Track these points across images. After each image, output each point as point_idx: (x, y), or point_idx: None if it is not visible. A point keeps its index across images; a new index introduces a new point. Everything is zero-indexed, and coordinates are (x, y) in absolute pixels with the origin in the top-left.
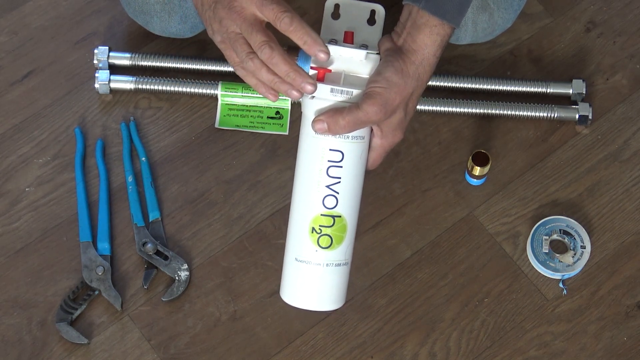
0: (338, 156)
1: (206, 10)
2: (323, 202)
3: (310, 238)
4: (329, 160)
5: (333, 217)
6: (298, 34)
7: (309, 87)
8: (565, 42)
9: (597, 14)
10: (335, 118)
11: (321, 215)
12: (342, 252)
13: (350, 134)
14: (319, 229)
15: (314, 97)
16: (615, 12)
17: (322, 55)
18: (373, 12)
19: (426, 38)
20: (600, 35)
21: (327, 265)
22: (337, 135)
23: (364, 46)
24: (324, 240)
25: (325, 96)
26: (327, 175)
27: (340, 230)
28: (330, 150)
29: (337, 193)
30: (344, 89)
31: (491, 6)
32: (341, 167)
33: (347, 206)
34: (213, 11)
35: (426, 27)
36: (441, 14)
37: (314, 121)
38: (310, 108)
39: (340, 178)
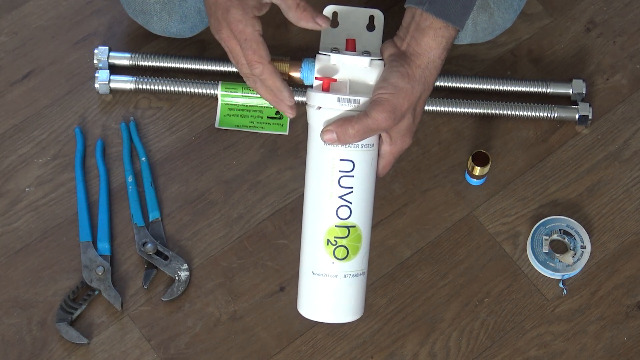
0: (349, 166)
1: (211, 15)
2: (337, 213)
3: (325, 250)
4: (340, 171)
5: (348, 227)
6: (267, 82)
7: (288, 110)
8: (565, 42)
9: (597, 14)
10: (344, 127)
11: (336, 226)
12: (358, 262)
13: (360, 143)
14: (334, 240)
15: (320, 107)
16: (615, 12)
17: (283, 106)
18: (372, 17)
19: (431, 41)
20: (600, 35)
21: (344, 276)
22: (347, 145)
23: (366, 53)
24: (340, 252)
25: (332, 106)
26: (339, 185)
27: (355, 240)
28: (340, 160)
29: (350, 203)
30: (350, 97)
31: (491, 6)
32: (353, 176)
33: (361, 215)
34: (215, 20)
35: (430, 30)
36: (445, 16)
37: (322, 132)
38: (318, 119)
39: (352, 188)
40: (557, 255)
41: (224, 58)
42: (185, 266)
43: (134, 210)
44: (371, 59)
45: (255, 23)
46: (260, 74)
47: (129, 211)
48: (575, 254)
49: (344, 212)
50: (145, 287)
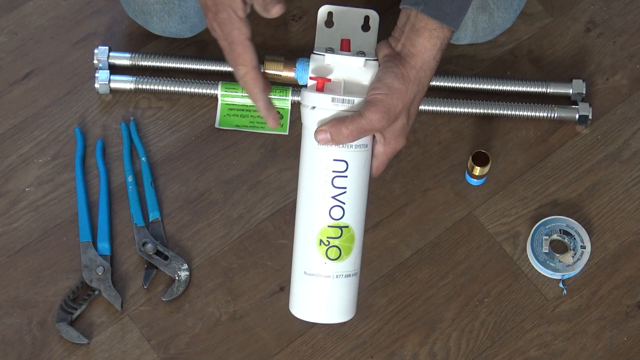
0: (342, 166)
1: (205, 16)
2: (330, 213)
3: (318, 250)
4: (333, 171)
5: (340, 228)
6: (247, 87)
7: (271, 123)
8: (565, 42)
9: (597, 14)
10: (338, 128)
11: (328, 226)
12: (351, 262)
13: (353, 143)
14: (327, 240)
15: (314, 107)
16: (615, 12)
17: (269, 121)
18: (367, 18)
19: (426, 42)
20: (600, 35)
21: (336, 277)
22: (341, 145)
23: (361, 53)
24: (333, 252)
25: (326, 106)
26: (332, 186)
27: (348, 240)
28: (334, 160)
29: (344, 203)
30: (345, 97)
31: (491, 6)
32: (346, 177)
33: (354, 216)
34: (208, 21)
35: (425, 31)
36: (440, 16)
37: (316, 132)
38: (312, 119)
39: (345, 188)
40: (557, 255)
41: (224, 58)
42: (185, 266)
43: (134, 210)
44: (366, 60)
45: (241, 26)
46: (242, 77)
47: (129, 211)
48: (575, 254)
49: (337, 212)
50: (145, 287)
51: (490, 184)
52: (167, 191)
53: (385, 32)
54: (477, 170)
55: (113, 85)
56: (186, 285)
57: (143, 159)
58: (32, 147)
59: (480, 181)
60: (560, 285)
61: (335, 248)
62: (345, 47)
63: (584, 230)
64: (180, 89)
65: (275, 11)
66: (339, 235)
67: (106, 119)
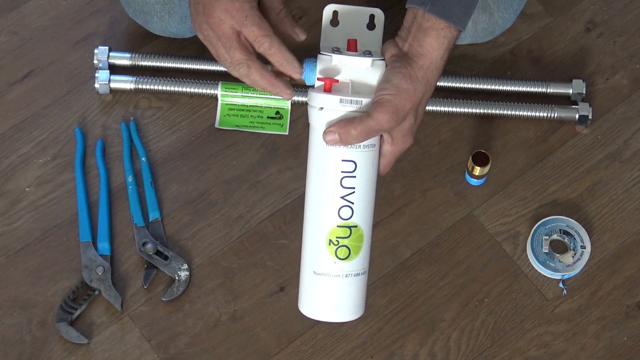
0: (351, 166)
1: (191, 6)
2: (339, 213)
3: (327, 250)
4: (342, 171)
5: (349, 227)
6: (275, 57)
7: (287, 96)
8: (565, 42)
9: (597, 14)
10: (346, 128)
11: (337, 226)
12: (360, 261)
13: (362, 144)
14: (336, 240)
15: (322, 108)
16: (615, 12)
17: (296, 76)
18: (372, 16)
19: (433, 41)
20: (600, 35)
21: (346, 276)
22: (349, 146)
23: (367, 53)
24: (342, 252)
25: (334, 107)
26: (341, 186)
27: (357, 240)
28: (342, 161)
29: (352, 203)
30: (353, 98)
31: (491, 6)
32: (354, 177)
33: (363, 215)
34: (195, 12)
35: (433, 31)
36: (448, 16)
37: (325, 133)
38: (320, 120)
39: (354, 188)
40: (557, 255)
41: None
42: (185, 266)
43: (134, 210)
44: (373, 60)
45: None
46: (268, 49)
47: (129, 211)
48: (575, 254)
49: (345, 212)
50: (145, 287)
51: (490, 184)
52: (167, 191)
53: (390, 30)
54: (477, 170)
55: (113, 85)
56: (186, 285)
57: (143, 159)
58: (32, 147)
59: (480, 181)
60: (560, 285)
61: (344, 248)
62: (352, 47)
63: (584, 230)
64: (180, 89)
65: (300, 33)
66: (348, 235)
67: (106, 119)
